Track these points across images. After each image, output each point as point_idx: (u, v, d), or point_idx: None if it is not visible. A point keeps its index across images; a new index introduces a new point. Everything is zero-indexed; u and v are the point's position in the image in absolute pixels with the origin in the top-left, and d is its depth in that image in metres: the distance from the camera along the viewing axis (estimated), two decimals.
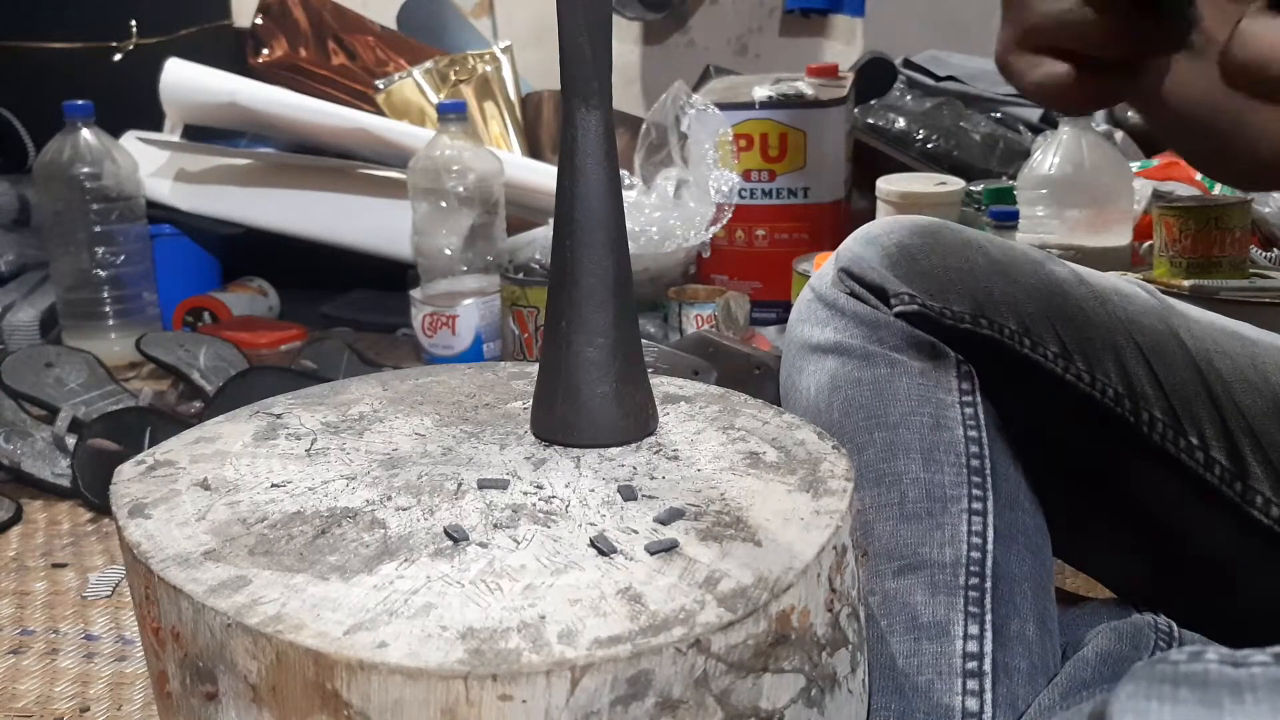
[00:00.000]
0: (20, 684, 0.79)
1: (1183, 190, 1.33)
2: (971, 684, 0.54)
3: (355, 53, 1.82)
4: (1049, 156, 1.30)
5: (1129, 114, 1.62)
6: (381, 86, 1.75)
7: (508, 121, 1.83)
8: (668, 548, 0.40)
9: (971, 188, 1.39)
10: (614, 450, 0.50)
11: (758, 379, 1.03)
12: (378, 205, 1.58)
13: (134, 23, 1.85)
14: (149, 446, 0.54)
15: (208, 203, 1.63)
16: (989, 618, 0.56)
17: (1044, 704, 0.54)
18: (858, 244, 0.69)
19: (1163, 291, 0.67)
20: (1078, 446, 0.64)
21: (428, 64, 1.79)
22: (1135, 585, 0.67)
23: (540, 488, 0.46)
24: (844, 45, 2.07)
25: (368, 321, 1.65)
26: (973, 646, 0.55)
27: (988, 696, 0.54)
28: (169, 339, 1.40)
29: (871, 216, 1.40)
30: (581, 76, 0.48)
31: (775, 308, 1.49)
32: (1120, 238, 1.28)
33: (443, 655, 0.34)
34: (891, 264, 0.66)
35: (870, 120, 1.64)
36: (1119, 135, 1.59)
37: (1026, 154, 1.40)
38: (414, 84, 1.77)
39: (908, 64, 1.79)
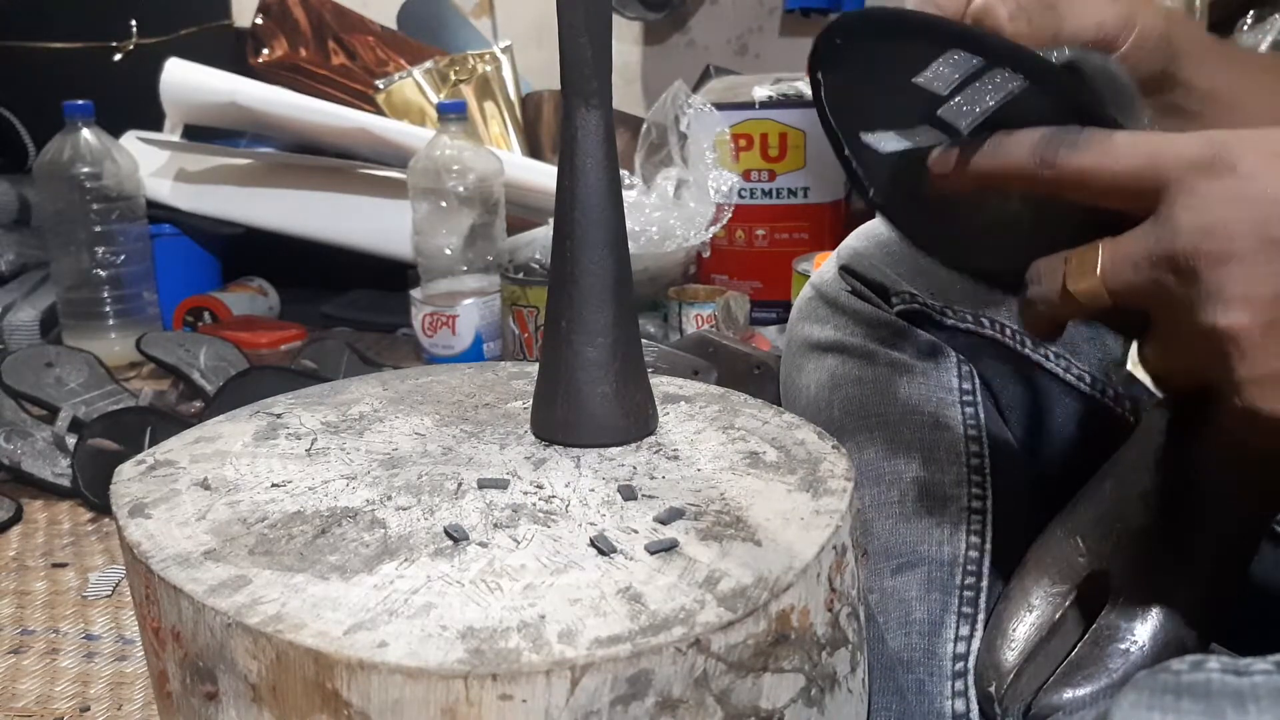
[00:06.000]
0: (20, 684, 0.79)
1: None
2: (959, 685, 0.54)
3: (355, 53, 1.82)
4: None
5: None
6: (381, 86, 1.75)
7: (508, 121, 1.83)
8: (668, 547, 0.40)
9: None
10: (614, 450, 0.50)
11: (758, 379, 1.03)
12: (378, 205, 1.58)
13: (134, 23, 1.85)
14: (149, 446, 0.54)
15: (208, 202, 1.63)
16: (981, 618, 0.55)
17: None
18: (859, 242, 0.69)
19: None
20: (1078, 446, 0.64)
21: (428, 64, 1.79)
22: None
23: (540, 487, 0.46)
24: None
25: (368, 321, 1.66)
26: (961, 648, 0.55)
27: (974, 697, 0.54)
28: (169, 339, 1.40)
29: (871, 216, 1.40)
30: (581, 76, 0.48)
31: (775, 308, 1.49)
32: None
33: (443, 655, 0.34)
34: (893, 262, 0.66)
35: None
36: None
37: None
38: (414, 84, 1.77)
39: None
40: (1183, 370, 0.40)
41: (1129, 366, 0.42)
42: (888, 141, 0.44)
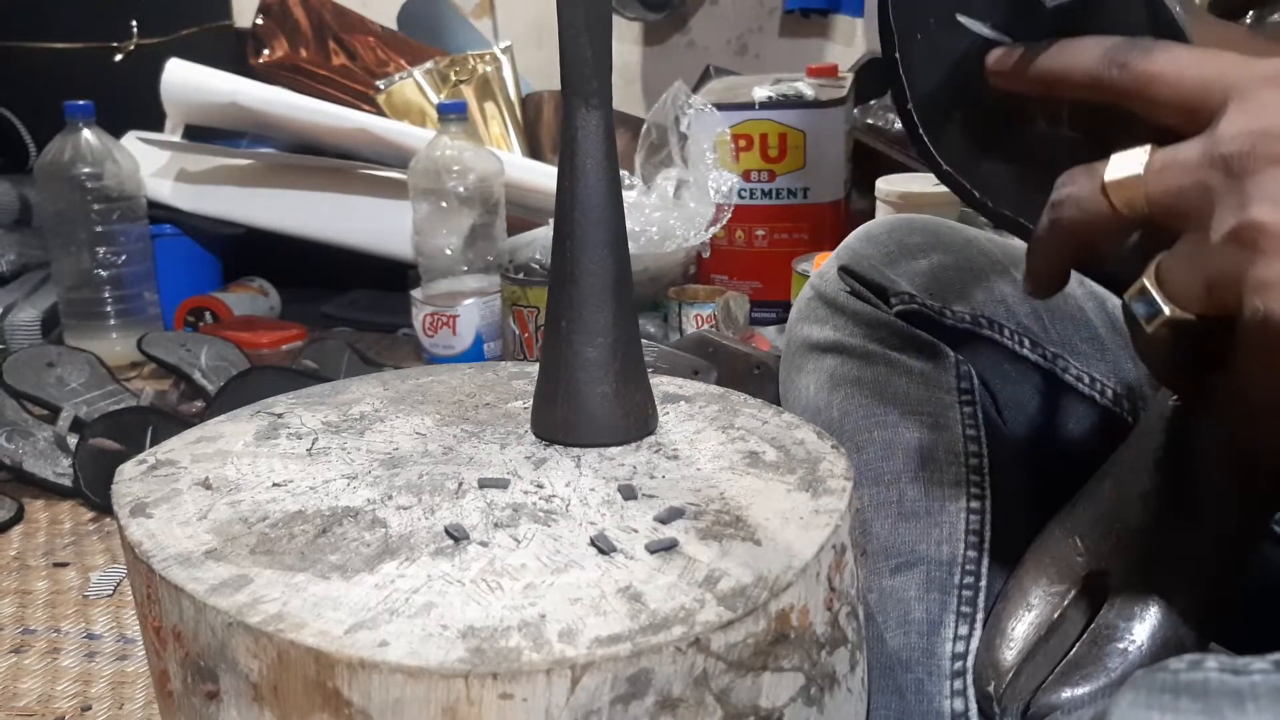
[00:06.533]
0: (22, 683, 0.79)
1: None
2: (958, 684, 0.54)
3: (356, 53, 1.83)
4: None
5: None
6: (382, 87, 1.75)
7: (508, 121, 1.83)
8: (667, 547, 0.40)
9: None
10: (614, 450, 0.50)
11: (758, 379, 1.03)
12: (378, 205, 1.58)
13: (135, 23, 1.85)
14: (150, 446, 0.54)
15: (209, 203, 1.64)
16: (980, 617, 0.56)
17: None
18: (858, 242, 0.69)
19: None
20: (1077, 447, 0.64)
21: (428, 64, 1.79)
22: None
23: (540, 487, 0.46)
24: (844, 45, 2.07)
25: (368, 321, 1.66)
26: (960, 647, 0.55)
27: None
28: (170, 339, 1.40)
29: (871, 216, 1.40)
30: (581, 76, 0.48)
31: (775, 308, 1.49)
32: None
33: (443, 654, 0.34)
34: (892, 263, 0.66)
35: (870, 120, 1.64)
36: None
37: None
38: (414, 84, 1.77)
39: None
40: (1205, 280, 0.38)
41: (1148, 282, 0.40)
42: (970, 24, 0.43)
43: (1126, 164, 0.39)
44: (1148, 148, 0.39)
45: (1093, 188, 0.40)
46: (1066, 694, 0.49)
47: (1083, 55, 0.41)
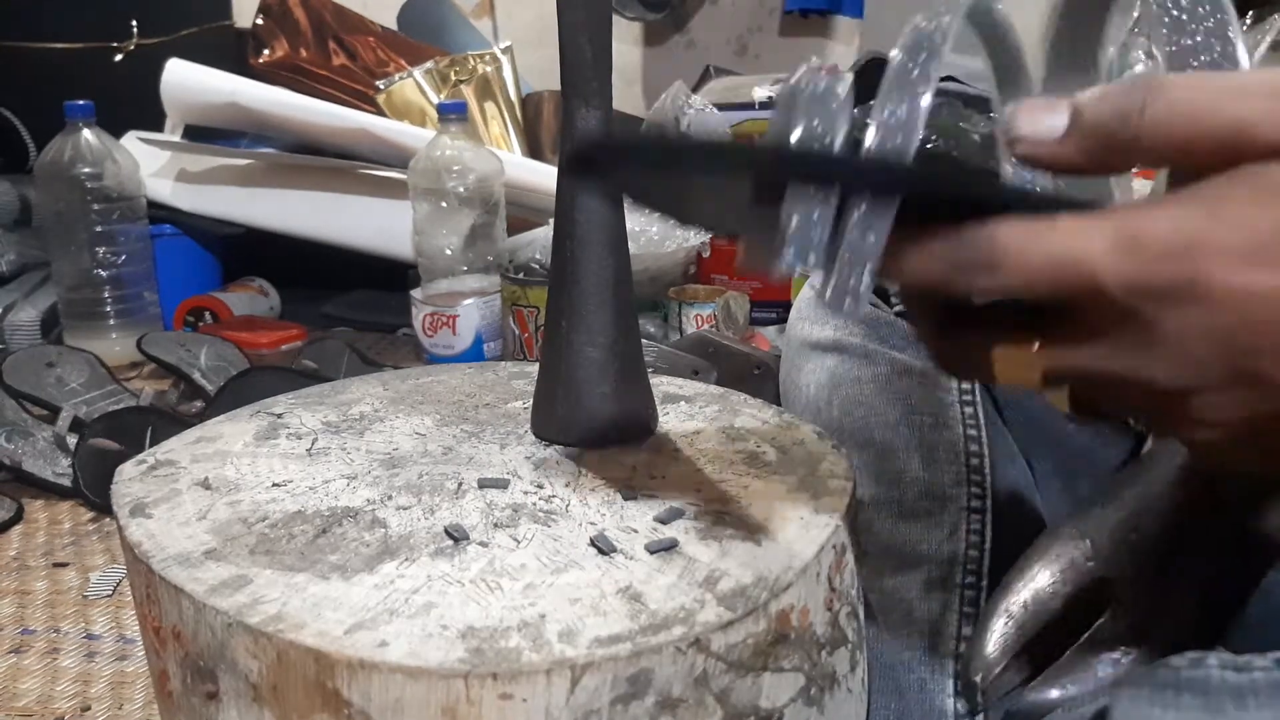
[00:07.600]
0: (21, 683, 0.79)
1: None
2: (959, 684, 0.54)
3: (356, 53, 1.83)
4: None
5: None
6: (382, 87, 1.75)
7: (508, 122, 1.83)
8: (667, 547, 0.40)
9: None
10: (614, 450, 0.50)
11: (758, 379, 1.03)
12: (378, 205, 1.58)
13: (135, 23, 1.85)
14: (150, 446, 0.54)
15: (208, 203, 1.64)
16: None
17: None
18: None
19: None
20: (1077, 447, 0.64)
21: (428, 64, 1.79)
22: None
23: (540, 487, 0.46)
24: (844, 46, 2.07)
25: (368, 321, 1.66)
26: (962, 647, 0.55)
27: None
28: (170, 339, 1.40)
29: None
30: (581, 77, 0.48)
31: (775, 308, 1.49)
32: None
33: (443, 654, 0.34)
34: None
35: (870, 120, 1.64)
36: None
37: None
38: (414, 84, 1.77)
39: None
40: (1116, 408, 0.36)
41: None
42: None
43: (1016, 366, 0.35)
44: (1034, 351, 0.34)
45: (985, 377, 0.36)
46: (1054, 694, 0.49)
47: (924, 270, 0.35)
